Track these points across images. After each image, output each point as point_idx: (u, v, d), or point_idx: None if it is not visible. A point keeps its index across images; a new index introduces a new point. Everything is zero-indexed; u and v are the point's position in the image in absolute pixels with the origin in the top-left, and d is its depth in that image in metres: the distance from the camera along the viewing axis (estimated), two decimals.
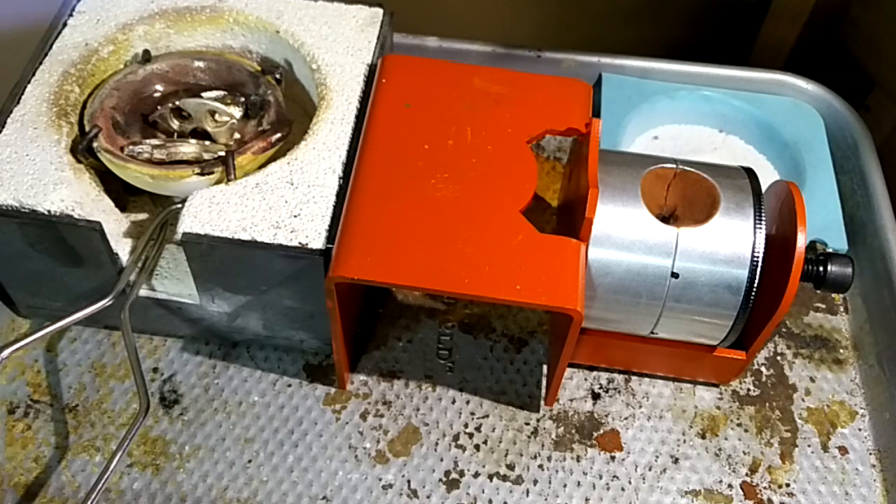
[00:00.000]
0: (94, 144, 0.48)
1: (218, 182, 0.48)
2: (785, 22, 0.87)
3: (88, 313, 0.47)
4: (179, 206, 0.47)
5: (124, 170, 0.48)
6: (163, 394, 0.52)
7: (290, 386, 0.53)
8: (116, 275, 0.48)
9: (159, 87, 0.53)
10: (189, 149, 0.49)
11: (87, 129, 0.49)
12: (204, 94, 0.52)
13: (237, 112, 0.51)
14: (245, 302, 0.50)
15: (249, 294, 0.49)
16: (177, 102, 0.51)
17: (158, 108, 0.52)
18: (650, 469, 0.51)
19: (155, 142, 0.49)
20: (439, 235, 0.44)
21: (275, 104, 0.51)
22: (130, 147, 0.48)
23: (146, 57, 0.53)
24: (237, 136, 0.51)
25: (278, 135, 0.50)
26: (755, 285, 0.45)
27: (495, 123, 0.49)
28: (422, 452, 0.51)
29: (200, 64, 0.53)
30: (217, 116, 0.50)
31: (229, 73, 0.53)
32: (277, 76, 0.53)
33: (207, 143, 0.50)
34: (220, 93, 0.52)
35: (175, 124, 0.51)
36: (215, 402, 0.52)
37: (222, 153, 0.49)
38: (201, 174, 0.48)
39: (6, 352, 0.44)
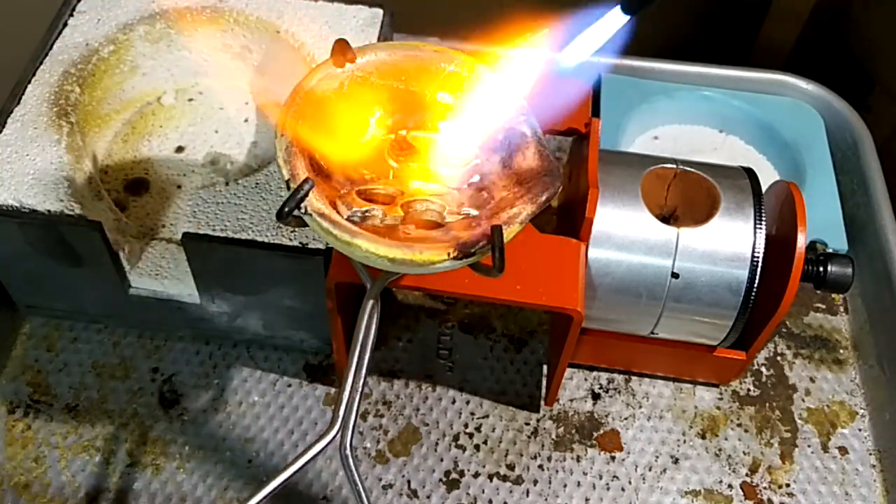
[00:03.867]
0: (303, 205, 0.32)
1: (475, 266, 0.34)
2: (785, 22, 0.87)
3: (311, 458, 0.37)
4: (395, 276, 0.36)
5: (348, 246, 0.32)
6: (163, 394, 0.52)
7: (290, 386, 0.53)
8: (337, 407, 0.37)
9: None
10: (429, 206, 0.34)
11: (285, 177, 0.33)
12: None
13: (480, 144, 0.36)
14: (245, 302, 0.50)
15: (249, 294, 0.49)
16: (402, 132, 0.36)
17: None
18: (650, 469, 0.51)
19: (382, 191, 0.34)
20: None
21: (534, 139, 0.35)
22: (352, 209, 0.33)
23: (343, 49, 0.35)
24: (476, 178, 0.36)
25: (548, 192, 0.34)
26: (755, 285, 0.45)
27: None
28: (422, 452, 0.51)
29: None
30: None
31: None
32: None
33: (436, 186, 0.36)
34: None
35: (392, 163, 0.36)
36: (215, 402, 0.52)
37: (473, 215, 0.34)
38: (458, 258, 0.32)
39: None
